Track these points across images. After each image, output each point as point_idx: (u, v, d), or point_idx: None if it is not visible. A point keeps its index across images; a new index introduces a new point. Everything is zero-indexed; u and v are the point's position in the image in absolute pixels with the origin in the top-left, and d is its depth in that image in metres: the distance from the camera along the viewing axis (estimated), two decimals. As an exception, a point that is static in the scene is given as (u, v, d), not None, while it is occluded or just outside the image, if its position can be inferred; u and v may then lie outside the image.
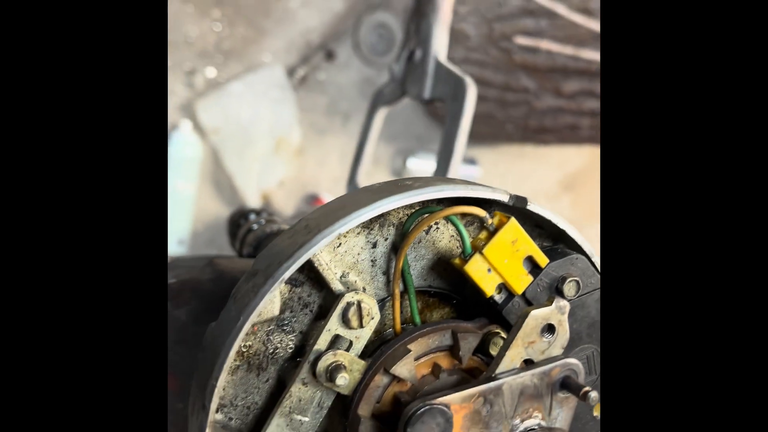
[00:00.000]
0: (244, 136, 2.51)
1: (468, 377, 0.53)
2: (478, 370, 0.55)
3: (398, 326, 0.56)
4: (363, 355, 0.53)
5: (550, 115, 2.34)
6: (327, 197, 2.67)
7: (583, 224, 3.06)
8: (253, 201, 2.58)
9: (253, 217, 1.10)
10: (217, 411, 0.52)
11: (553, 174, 3.07)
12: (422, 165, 2.63)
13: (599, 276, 0.57)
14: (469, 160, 2.76)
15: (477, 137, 2.64)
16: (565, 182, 3.08)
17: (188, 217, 2.36)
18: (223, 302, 0.71)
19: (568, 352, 0.56)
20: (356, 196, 0.54)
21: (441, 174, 1.17)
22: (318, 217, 0.52)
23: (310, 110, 2.59)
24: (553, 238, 0.60)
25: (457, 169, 1.18)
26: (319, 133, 2.67)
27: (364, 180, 1.55)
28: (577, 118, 2.35)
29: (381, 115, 1.43)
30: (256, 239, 1.02)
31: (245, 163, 2.53)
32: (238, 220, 1.13)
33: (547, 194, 3.03)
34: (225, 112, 2.39)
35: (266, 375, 0.54)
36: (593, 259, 0.58)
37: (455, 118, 1.14)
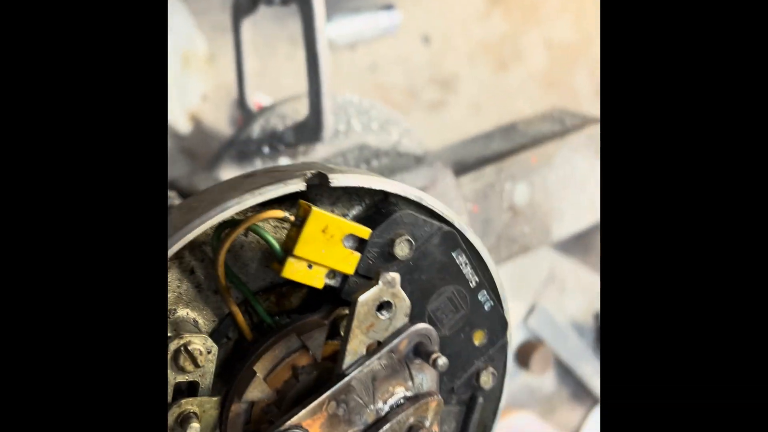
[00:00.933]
0: (147, 65, 2.36)
1: (330, 366, 0.52)
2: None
3: (249, 335, 0.54)
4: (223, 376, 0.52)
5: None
6: (256, 96, 2.55)
7: (520, 34, 2.94)
8: (183, 126, 2.48)
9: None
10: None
11: (474, -9, 2.90)
12: (342, 28, 2.48)
13: (433, 221, 0.54)
14: (385, 6, 2.60)
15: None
16: (489, -4, 2.92)
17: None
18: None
19: (426, 302, 0.55)
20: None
21: (312, 62, 1.08)
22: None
23: (204, 12, 2.39)
24: (383, 192, 0.55)
25: (326, 53, 1.09)
26: (223, 32, 2.49)
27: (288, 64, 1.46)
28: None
29: (247, 27, 1.32)
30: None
31: (159, 91, 2.40)
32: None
33: (478, 15, 2.88)
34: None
35: (134, 431, 0.53)
36: (423, 203, 0.54)
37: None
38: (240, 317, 0.53)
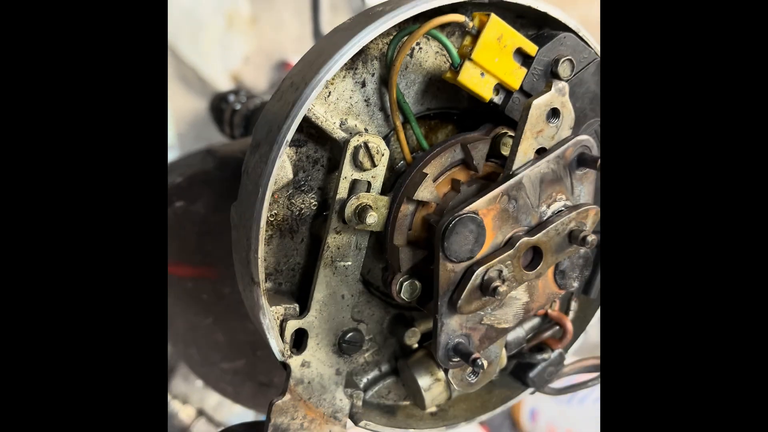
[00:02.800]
0: (193, 22, 2.39)
1: (487, 183, 0.55)
2: (495, 173, 0.56)
3: (408, 155, 0.57)
4: (383, 192, 0.55)
5: None
6: (296, 60, 2.59)
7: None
8: (224, 86, 2.51)
9: (232, 98, 1.08)
10: (265, 281, 0.54)
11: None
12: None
13: (592, 49, 0.56)
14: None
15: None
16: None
17: (167, 120, 2.33)
18: (232, 187, 0.71)
19: (576, 130, 0.57)
20: (331, 39, 0.52)
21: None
22: (300, 71, 0.51)
23: (248, -27, 2.43)
24: (537, 25, 0.58)
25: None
26: (266, -4, 2.53)
27: (329, 29, 1.49)
28: None
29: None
30: (243, 119, 1.01)
31: (203, 49, 2.43)
32: (219, 105, 1.11)
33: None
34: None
35: (300, 236, 0.56)
36: (581, 33, 0.57)
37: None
38: (402, 134, 0.56)
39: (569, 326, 0.63)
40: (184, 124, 2.47)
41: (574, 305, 0.65)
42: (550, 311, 0.63)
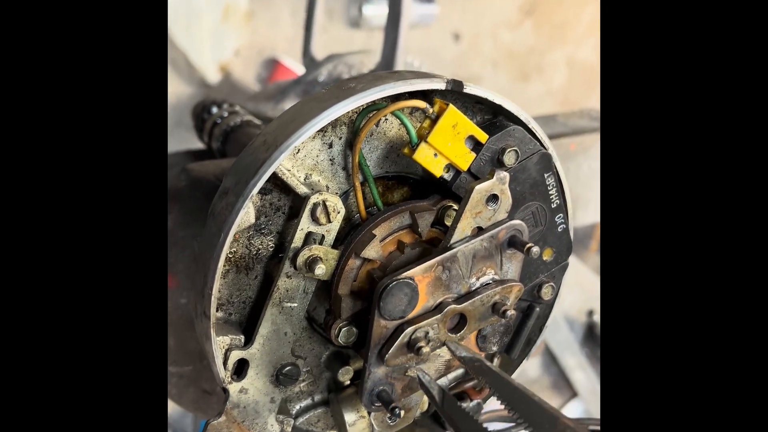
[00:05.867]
0: (189, 9, 2.42)
1: (429, 248, 0.61)
2: (438, 239, 0.62)
3: (363, 213, 0.63)
4: (337, 243, 0.60)
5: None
6: (286, 60, 2.63)
7: (547, 49, 3.05)
8: (211, 75, 2.54)
9: (215, 110, 1.12)
10: (217, 310, 0.60)
11: (511, 1, 3.02)
12: (379, 10, 2.57)
13: (538, 141, 0.63)
14: (426, -1, 2.69)
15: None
16: (525, 7, 3.03)
17: (166, 123, 2.36)
18: (201, 206, 0.77)
19: (514, 211, 0.64)
20: (306, 107, 0.58)
21: (393, 25, 1.18)
22: (274, 131, 0.57)
23: (251, -31, 2.47)
24: (493, 111, 0.65)
25: (408, 15, 1.19)
26: (267, -7, 2.57)
27: (318, 44, 1.54)
28: (528, -58, 2.28)
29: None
30: (222, 133, 1.06)
31: (196, 36, 2.46)
32: (202, 114, 1.15)
33: (509, 23, 2.99)
34: (164, -13, 2.28)
35: (254, 273, 0.61)
36: (530, 126, 0.63)
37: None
38: (360, 193, 0.62)
39: (488, 380, 0.69)
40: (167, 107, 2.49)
41: (496, 362, 0.71)
42: (473, 365, 0.69)
